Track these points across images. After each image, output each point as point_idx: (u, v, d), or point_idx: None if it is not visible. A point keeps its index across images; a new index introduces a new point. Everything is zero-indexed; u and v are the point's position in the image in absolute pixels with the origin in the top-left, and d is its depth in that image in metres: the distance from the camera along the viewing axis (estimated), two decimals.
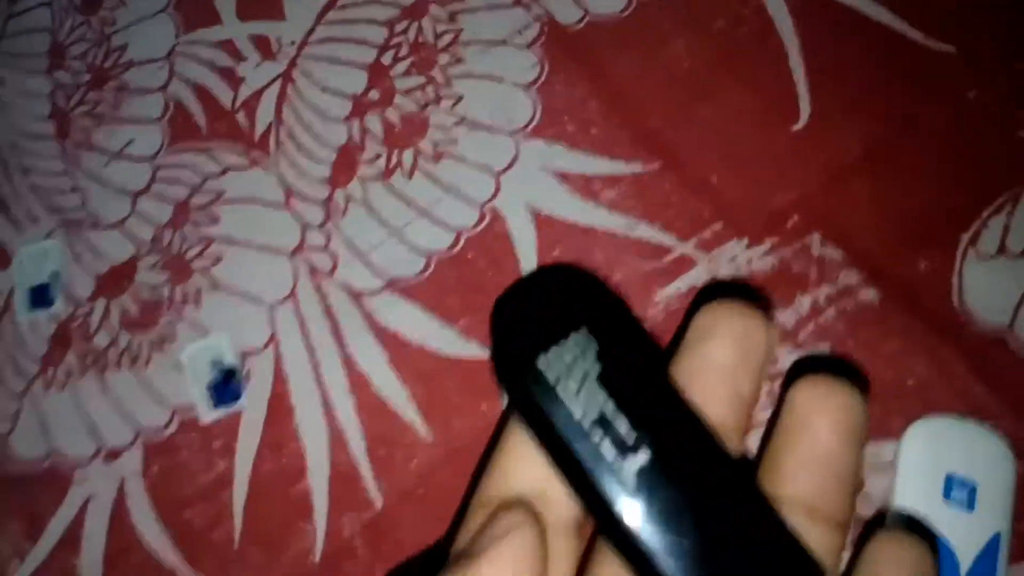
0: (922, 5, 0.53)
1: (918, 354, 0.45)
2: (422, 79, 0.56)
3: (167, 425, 0.50)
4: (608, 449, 0.24)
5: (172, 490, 0.48)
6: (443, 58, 0.56)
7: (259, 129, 0.57)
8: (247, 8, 0.61)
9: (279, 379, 0.50)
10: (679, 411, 0.25)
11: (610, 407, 0.24)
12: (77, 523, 0.48)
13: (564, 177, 0.52)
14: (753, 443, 0.45)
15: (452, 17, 0.57)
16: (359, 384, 0.49)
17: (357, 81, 0.57)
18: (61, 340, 0.53)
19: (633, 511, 0.24)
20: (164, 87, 0.59)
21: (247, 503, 0.47)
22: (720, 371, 0.24)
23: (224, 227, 0.54)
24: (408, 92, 0.56)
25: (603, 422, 0.24)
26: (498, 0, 0.57)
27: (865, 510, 0.42)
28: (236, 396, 0.49)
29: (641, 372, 0.25)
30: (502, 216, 0.52)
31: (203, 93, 0.59)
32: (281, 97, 0.57)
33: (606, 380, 0.25)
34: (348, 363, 0.49)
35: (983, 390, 0.44)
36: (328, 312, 0.51)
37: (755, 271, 0.48)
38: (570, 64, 0.55)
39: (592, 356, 0.25)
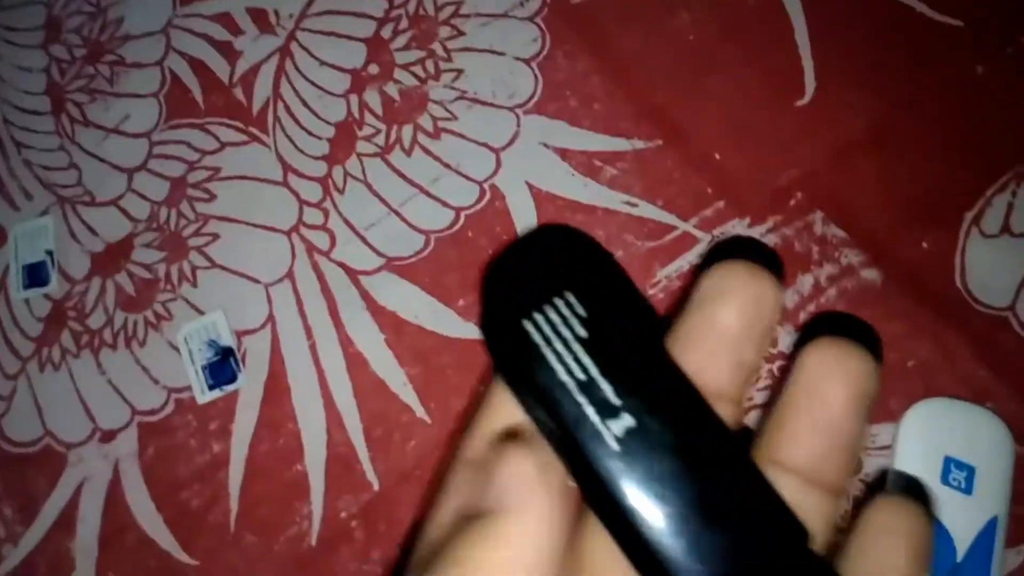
0: None
1: (920, 336, 0.45)
2: (422, 53, 0.55)
3: (163, 406, 0.50)
4: (592, 413, 0.23)
5: (167, 472, 0.48)
6: (443, 31, 0.55)
7: (256, 104, 0.56)
8: None
9: (276, 359, 0.49)
10: (669, 377, 0.24)
11: (595, 371, 0.23)
12: (72, 506, 0.48)
13: (565, 154, 0.51)
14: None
15: None
16: (356, 364, 0.49)
17: (356, 55, 0.56)
18: (56, 320, 0.53)
19: (616, 474, 0.23)
20: (160, 61, 0.58)
21: (243, 485, 0.47)
22: (725, 336, 0.23)
23: (221, 204, 0.54)
24: (408, 66, 0.55)
25: (588, 386, 0.23)
26: None
27: (864, 495, 0.42)
28: (232, 376, 0.49)
29: (631, 337, 0.24)
30: (502, 193, 0.51)
31: (200, 67, 0.58)
32: (279, 71, 0.56)
33: (593, 344, 0.24)
34: (345, 343, 0.49)
35: (986, 373, 0.44)
36: (325, 291, 0.51)
37: None
38: (572, 37, 0.54)
39: (580, 319, 0.24)
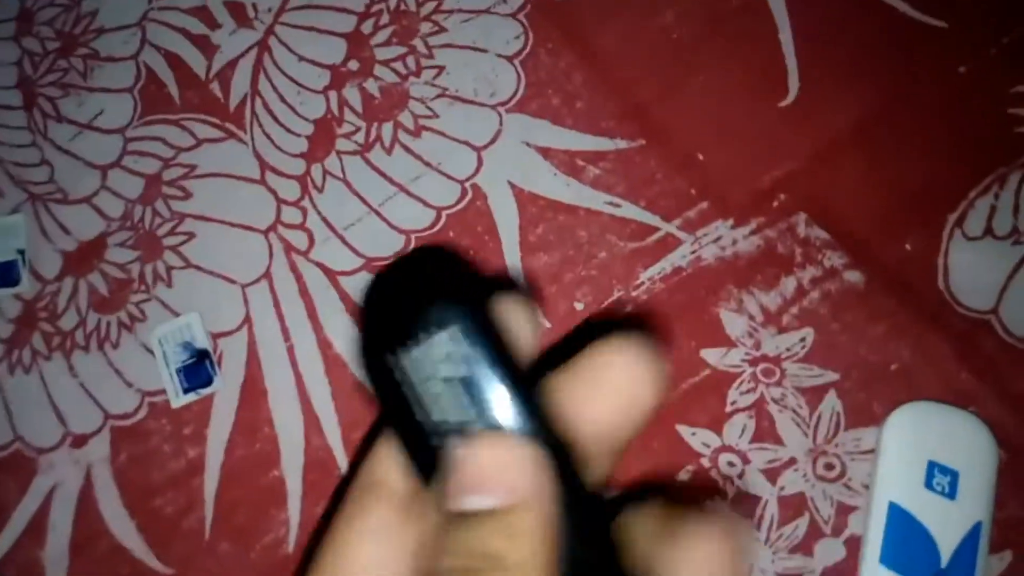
0: None
1: (903, 338, 0.45)
2: (403, 49, 0.54)
3: (136, 410, 0.49)
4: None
5: (141, 477, 0.47)
6: (425, 27, 0.55)
7: (234, 100, 0.55)
8: None
9: (253, 362, 0.48)
10: (537, 423, 0.23)
11: (471, 413, 0.23)
12: (42, 513, 0.47)
13: (548, 153, 0.51)
14: (733, 434, 0.44)
15: None
16: (335, 367, 0.48)
17: (336, 50, 0.55)
18: (27, 321, 0.51)
19: None
20: (136, 55, 0.57)
21: (219, 491, 0.46)
22: (606, 409, 0.23)
23: (197, 202, 0.53)
24: (388, 62, 0.54)
25: (459, 427, 0.23)
26: None
27: (848, 499, 0.42)
28: (208, 379, 0.48)
29: (504, 379, 0.23)
30: (484, 193, 0.50)
31: (176, 62, 0.56)
32: (257, 67, 0.55)
33: (469, 384, 0.23)
34: (324, 345, 0.48)
35: (968, 376, 0.44)
36: (304, 292, 0.50)
37: (740, 252, 0.47)
38: (555, 34, 0.53)
39: (459, 357, 0.24)
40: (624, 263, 0.48)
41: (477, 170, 0.51)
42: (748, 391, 0.44)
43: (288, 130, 0.53)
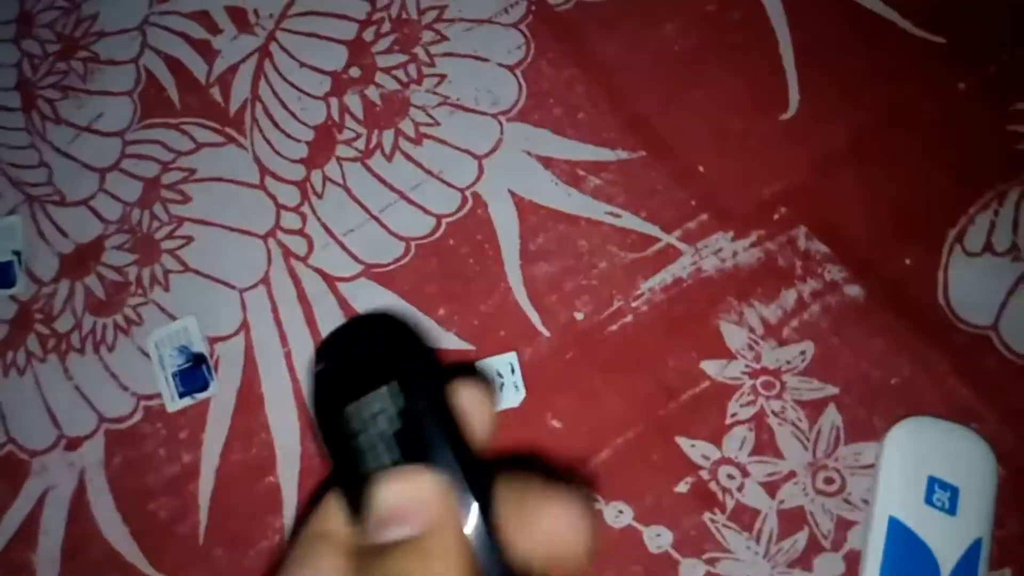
0: None
1: (903, 353, 0.45)
2: (404, 57, 0.54)
3: (131, 413, 0.48)
4: None
5: (135, 482, 0.46)
6: (427, 35, 0.55)
7: (234, 105, 0.55)
8: None
9: (249, 367, 0.48)
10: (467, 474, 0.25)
11: (402, 463, 0.25)
12: (34, 516, 0.47)
13: (549, 162, 0.51)
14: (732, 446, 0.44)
15: None
16: None
17: (337, 57, 0.55)
18: (22, 322, 0.51)
19: None
20: (136, 59, 0.57)
21: (213, 496, 0.46)
22: None
23: (195, 207, 0.52)
24: (389, 70, 0.54)
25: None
26: None
27: (847, 513, 0.42)
28: (204, 384, 0.48)
29: (438, 434, 0.26)
30: (485, 201, 0.50)
31: (176, 66, 0.56)
32: (258, 72, 0.55)
33: (403, 437, 0.25)
34: None
35: (968, 392, 0.44)
36: (302, 297, 0.49)
37: (740, 264, 0.47)
38: (557, 45, 0.53)
39: (394, 411, 0.26)
40: (624, 273, 0.48)
41: (478, 178, 0.51)
42: (748, 403, 0.44)
43: (288, 136, 0.53)
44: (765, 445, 0.43)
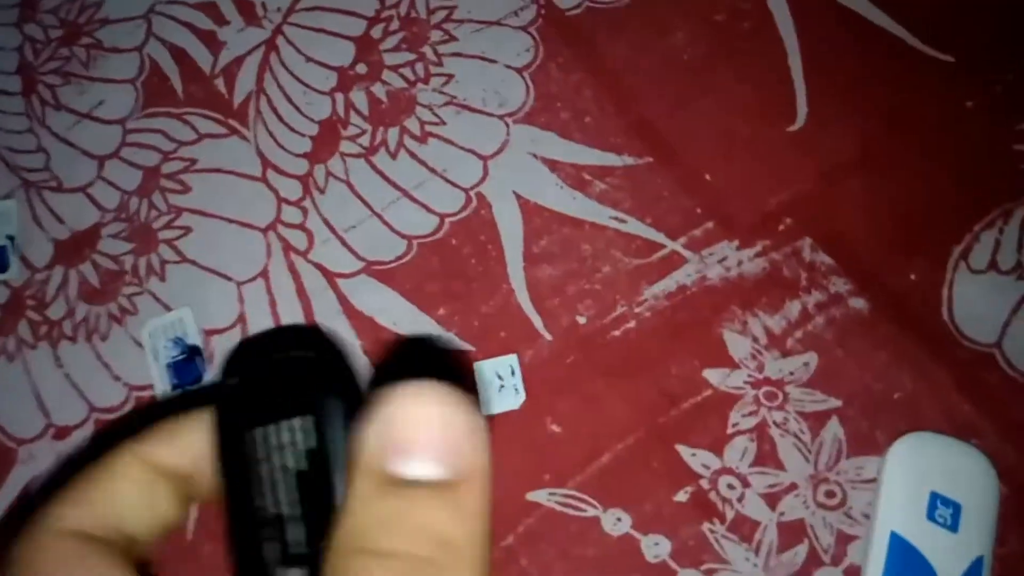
0: (923, 13, 0.52)
1: (906, 368, 0.44)
2: (412, 55, 0.54)
3: (122, 404, 0.47)
4: (272, 552, 0.22)
5: None
6: (435, 35, 0.54)
7: (238, 97, 0.54)
8: None
9: None
10: None
11: (296, 510, 0.22)
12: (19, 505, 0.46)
13: (555, 165, 0.50)
14: (732, 456, 0.43)
15: None
16: None
17: (344, 53, 0.54)
18: (13, 308, 0.50)
19: None
20: (140, 47, 0.56)
21: None
22: None
23: (195, 197, 0.52)
24: (396, 68, 0.54)
25: (282, 521, 0.22)
26: None
27: (848, 528, 0.41)
28: (198, 376, 0.47)
29: (340, 491, 0.22)
30: (489, 202, 0.50)
31: (181, 55, 0.56)
32: (263, 65, 0.55)
33: (304, 481, 0.22)
34: None
35: (970, 408, 0.43)
36: (301, 293, 0.49)
37: (745, 273, 0.47)
38: (566, 49, 0.53)
39: (304, 448, 0.23)
40: (628, 279, 0.47)
41: (483, 179, 0.50)
42: (750, 413, 0.44)
43: (292, 129, 0.53)
44: (766, 456, 0.43)
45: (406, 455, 0.18)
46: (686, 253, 0.48)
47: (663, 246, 0.48)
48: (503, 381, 0.45)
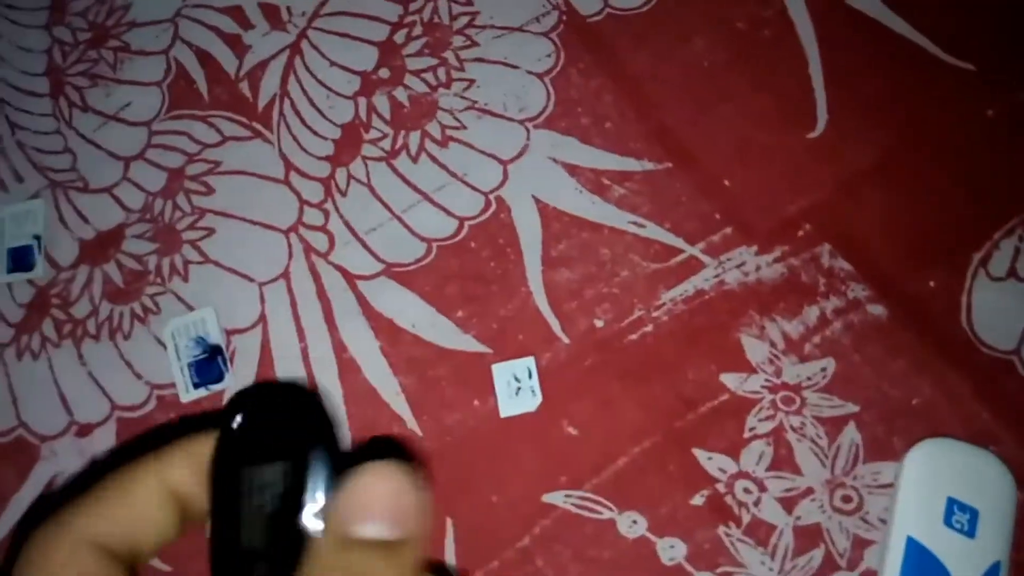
0: (944, 22, 0.52)
1: (924, 374, 0.44)
2: (434, 60, 0.54)
3: (144, 402, 0.48)
4: None
5: None
6: (457, 40, 0.55)
7: (262, 100, 0.55)
8: None
9: (265, 360, 0.48)
10: None
11: (268, 548, 0.25)
12: (42, 501, 0.46)
13: (574, 170, 0.51)
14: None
15: None
16: (349, 371, 0.47)
17: (367, 58, 0.55)
18: (39, 306, 0.51)
19: None
20: (167, 50, 0.57)
21: None
22: None
23: (219, 199, 0.52)
24: (419, 72, 0.54)
25: (255, 555, 0.25)
26: None
27: (864, 532, 0.41)
28: (219, 376, 0.47)
29: (306, 534, 0.25)
30: (508, 206, 0.50)
31: (207, 59, 0.57)
32: (288, 69, 0.55)
33: (276, 521, 0.25)
34: (338, 348, 0.48)
35: (989, 415, 0.43)
36: (321, 294, 0.49)
37: (763, 278, 0.47)
38: (587, 55, 0.54)
39: (280, 491, 0.26)
40: (646, 283, 0.48)
41: (502, 183, 0.51)
42: (767, 418, 0.44)
43: (315, 133, 0.53)
44: (783, 460, 0.43)
45: (363, 519, 0.22)
46: (704, 258, 0.48)
47: (681, 251, 0.48)
48: (520, 383, 0.46)
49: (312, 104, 0.54)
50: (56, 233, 0.53)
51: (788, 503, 0.42)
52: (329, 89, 0.54)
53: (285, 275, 0.50)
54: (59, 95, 0.57)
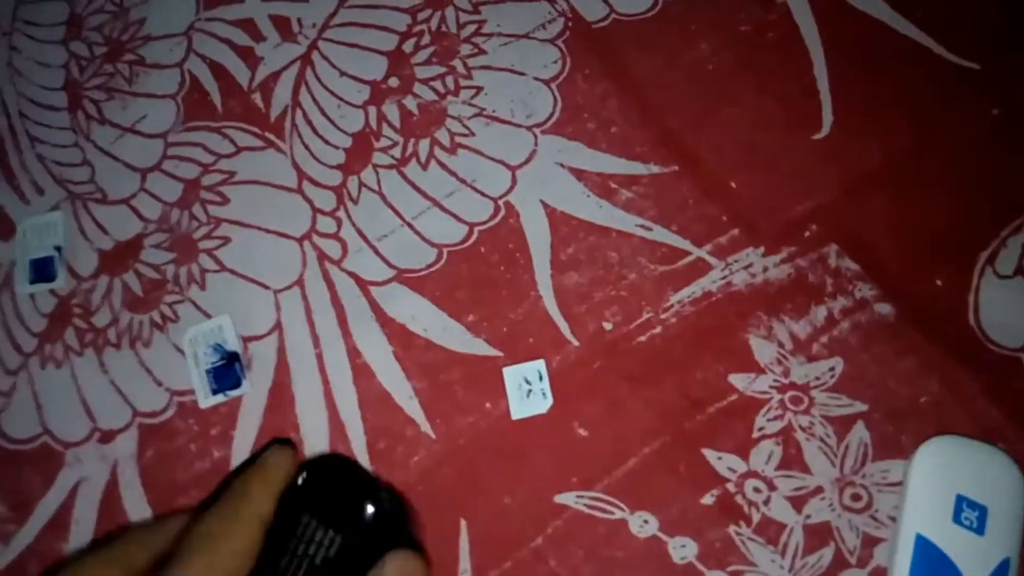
0: (949, 21, 0.53)
1: (932, 373, 0.45)
2: (442, 69, 0.55)
3: (164, 408, 0.49)
4: None
5: (166, 476, 0.47)
6: (465, 48, 0.56)
7: (275, 111, 0.56)
8: None
9: (282, 367, 0.49)
10: None
11: None
12: (67, 506, 0.47)
13: (581, 175, 0.51)
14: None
15: (475, 7, 0.57)
16: (363, 375, 0.48)
17: (377, 67, 0.56)
18: (60, 316, 0.52)
19: None
20: (181, 63, 0.58)
21: None
22: None
23: (234, 208, 0.53)
24: (427, 81, 0.55)
25: None
26: None
27: (874, 531, 0.42)
28: (237, 382, 0.48)
29: None
30: (517, 211, 0.51)
31: (220, 71, 0.58)
32: (299, 80, 0.56)
33: (320, 569, 0.33)
34: (353, 353, 0.49)
35: (997, 413, 0.44)
36: (335, 300, 0.50)
37: (770, 279, 0.47)
38: (593, 61, 0.54)
39: (327, 556, 0.33)
40: (654, 285, 0.48)
41: (511, 188, 0.52)
42: (776, 418, 0.44)
43: (327, 142, 0.54)
44: (792, 460, 0.44)
45: None
46: (711, 260, 0.48)
47: (689, 253, 0.49)
48: (531, 386, 0.46)
49: (323, 113, 0.55)
50: (76, 244, 0.54)
51: (798, 502, 0.43)
52: (340, 99, 0.55)
53: (299, 282, 0.51)
54: (77, 109, 0.58)
